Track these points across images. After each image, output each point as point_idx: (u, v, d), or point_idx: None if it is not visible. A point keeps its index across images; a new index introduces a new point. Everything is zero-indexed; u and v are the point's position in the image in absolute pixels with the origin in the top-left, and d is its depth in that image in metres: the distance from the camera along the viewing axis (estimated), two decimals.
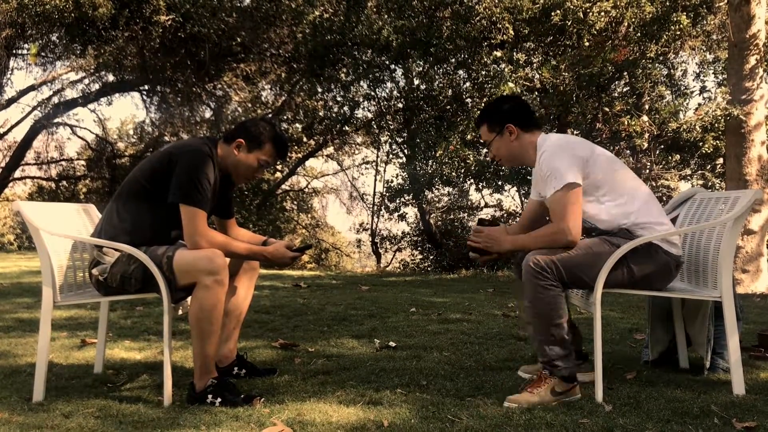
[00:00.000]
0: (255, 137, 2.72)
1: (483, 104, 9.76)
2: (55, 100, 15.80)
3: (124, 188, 2.69)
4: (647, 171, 10.78)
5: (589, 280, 2.56)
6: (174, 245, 2.62)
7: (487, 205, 15.24)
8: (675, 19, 8.72)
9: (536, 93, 9.49)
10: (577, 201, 2.54)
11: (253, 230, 18.98)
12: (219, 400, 2.48)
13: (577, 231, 2.53)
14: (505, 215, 16.75)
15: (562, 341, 2.54)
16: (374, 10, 11.18)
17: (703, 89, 12.23)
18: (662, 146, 10.17)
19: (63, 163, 20.16)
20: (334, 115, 13.79)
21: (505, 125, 2.74)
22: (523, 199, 13.79)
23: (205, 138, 2.74)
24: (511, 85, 8.66)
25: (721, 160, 11.26)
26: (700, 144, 9.62)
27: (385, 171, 16.17)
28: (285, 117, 16.63)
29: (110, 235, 2.62)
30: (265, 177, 18.20)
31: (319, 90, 13.37)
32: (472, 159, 9.91)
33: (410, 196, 13.37)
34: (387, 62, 11.77)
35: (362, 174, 28.47)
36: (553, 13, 8.84)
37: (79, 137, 19.04)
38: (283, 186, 19.47)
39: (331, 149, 18.64)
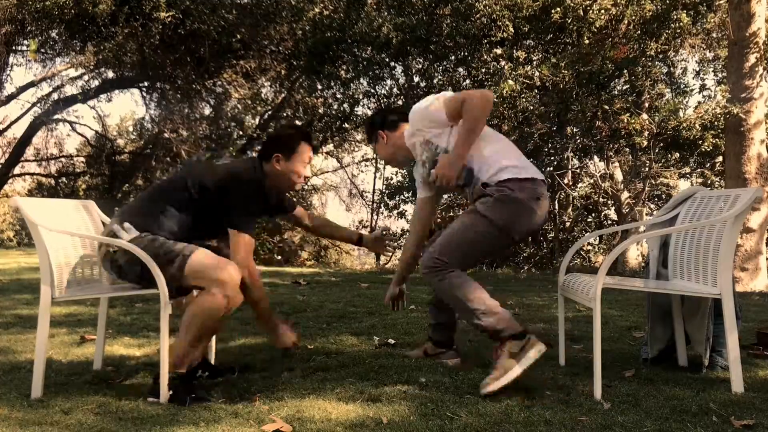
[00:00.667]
0: (288, 146, 2.83)
1: None
2: (55, 96, 15.81)
3: (173, 182, 2.78)
4: (646, 169, 10.78)
5: (474, 255, 2.78)
6: (192, 246, 2.63)
7: None
8: (675, 17, 8.72)
9: (536, 90, 9.49)
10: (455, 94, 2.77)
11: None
12: (171, 392, 2.49)
13: (478, 91, 2.71)
14: None
15: (488, 308, 2.63)
16: (374, 7, 11.17)
17: (702, 87, 12.27)
18: (662, 144, 10.17)
19: (62, 159, 20.18)
20: (333, 112, 13.78)
21: (377, 134, 3.09)
22: None
23: (251, 161, 2.84)
24: (510, 82, 8.66)
25: (720, 159, 11.26)
26: (700, 142, 9.62)
27: (384, 168, 16.15)
28: (285, 114, 16.62)
29: (138, 216, 2.67)
30: None
31: (319, 87, 13.36)
32: None
33: (410, 194, 13.37)
34: (387, 59, 11.76)
35: (362, 171, 28.40)
36: (553, 11, 8.83)
37: (78, 134, 19.06)
38: None
39: (330, 146, 18.64)
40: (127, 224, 2.63)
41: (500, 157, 2.76)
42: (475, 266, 2.74)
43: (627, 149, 10.98)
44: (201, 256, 2.55)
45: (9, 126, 18.08)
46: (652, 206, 13.87)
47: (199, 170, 2.78)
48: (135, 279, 2.64)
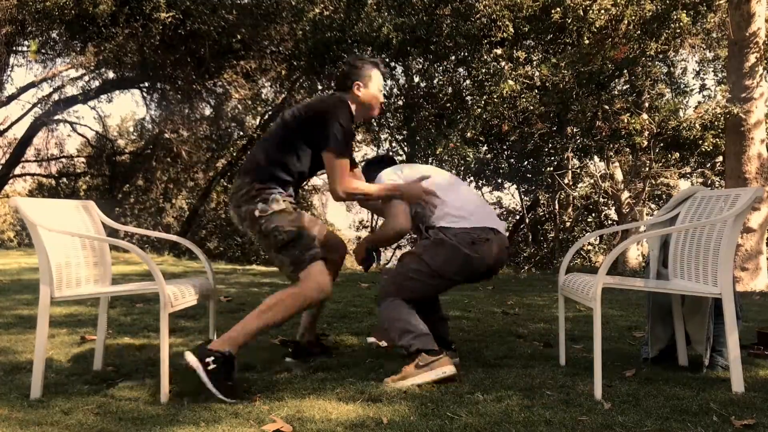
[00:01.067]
0: (365, 73, 3.03)
1: (483, 102, 9.76)
2: (56, 97, 15.80)
3: (276, 131, 2.91)
4: (646, 169, 10.78)
5: (411, 290, 2.91)
6: (322, 250, 2.82)
7: (486, 203, 15.23)
8: (675, 17, 8.72)
9: (536, 91, 9.49)
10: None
11: None
12: (214, 366, 2.51)
13: (398, 223, 2.95)
14: (505, 213, 16.74)
15: (408, 327, 2.81)
16: (374, 7, 11.17)
17: (702, 87, 12.27)
18: (662, 144, 10.18)
19: (63, 160, 20.18)
20: None
21: None
22: (522, 196, 13.79)
23: (338, 95, 2.96)
24: (510, 82, 8.67)
25: (720, 158, 11.27)
26: (700, 142, 9.63)
27: None
28: None
29: (264, 166, 2.82)
30: None
31: (320, 87, 13.36)
32: (471, 157, 9.93)
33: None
34: (387, 60, 11.76)
35: None
36: (553, 11, 8.83)
37: (79, 134, 19.07)
38: None
39: None
40: (276, 195, 2.79)
41: (444, 207, 2.99)
42: (421, 299, 2.96)
43: (627, 149, 10.99)
44: (321, 264, 2.75)
45: (10, 126, 18.09)
46: (653, 206, 13.88)
47: (296, 107, 2.92)
48: (273, 244, 2.76)
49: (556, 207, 14.00)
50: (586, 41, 9.01)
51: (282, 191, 2.83)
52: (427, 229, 3.03)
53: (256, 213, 2.75)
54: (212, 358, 2.52)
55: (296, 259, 2.72)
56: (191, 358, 2.52)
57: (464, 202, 3.02)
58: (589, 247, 14.79)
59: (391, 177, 3.08)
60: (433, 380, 2.69)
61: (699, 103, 12.07)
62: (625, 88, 10.56)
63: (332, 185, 2.86)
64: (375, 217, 16.24)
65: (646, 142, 9.52)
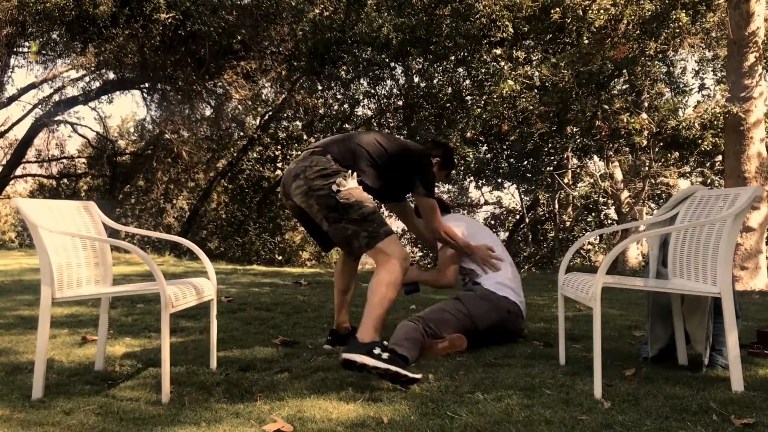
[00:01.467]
0: (446, 162, 3.64)
1: (483, 102, 9.76)
2: (56, 98, 15.83)
3: (369, 147, 3.15)
4: (646, 168, 10.78)
5: (444, 324, 3.36)
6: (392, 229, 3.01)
7: (486, 203, 15.25)
8: (674, 16, 8.73)
9: (536, 90, 9.50)
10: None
11: (253, 228, 18.68)
12: (387, 355, 2.64)
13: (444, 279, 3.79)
14: (505, 212, 16.75)
15: (399, 350, 3.04)
16: (374, 7, 11.18)
17: (702, 87, 12.26)
18: (661, 144, 10.19)
19: (64, 160, 20.22)
20: (334, 112, 13.81)
21: None
22: (522, 196, 13.80)
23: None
24: (510, 82, 8.68)
25: (720, 158, 11.27)
26: (699, 141, 9.63)
27: None
28: (285, 115, 16.62)
29: (343, 155, 3.05)
30: (266, 174, 18.21)
31: (320, 88, 13.38)
32: (471, 157, 9.93)
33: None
34: (387, 60, 11.78)
35: None
36: (552, 11, 8.84)
37: (80, 135, 19.10)
38: None
39: None
40: (355, 173, 3.00)
41: (497, 275, 3.59)
42: (436, 333, 3.33)
43: (627, 149, 11.00)
44: (395, 240, 2.95)
45: (11, 127, 18.10)
46: (652, 205, 13.88)
47: (392, 147, 3.19)
48: (346, 217, 2.91)
49: (556, 206, 14.02)
50: (586, 41, 9.02)
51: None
52: (474, 283, 3.59)
53: (334, 187, 2.91)
54: (378, 348, 2.66)
55: (373, 231, 2.90)
56: (367, 359, 2.62)
57: (513, 278, 3.61)
58: (589, 247, 14.80)
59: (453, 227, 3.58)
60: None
61: (698, 102, 12.06)
62: (624, 87, 10.57)
63: (433, 224, 3.39)
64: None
65: (645, 142, 9.53)
